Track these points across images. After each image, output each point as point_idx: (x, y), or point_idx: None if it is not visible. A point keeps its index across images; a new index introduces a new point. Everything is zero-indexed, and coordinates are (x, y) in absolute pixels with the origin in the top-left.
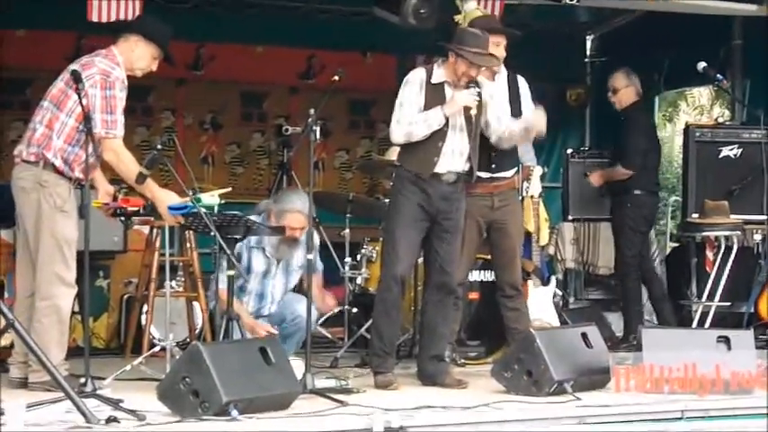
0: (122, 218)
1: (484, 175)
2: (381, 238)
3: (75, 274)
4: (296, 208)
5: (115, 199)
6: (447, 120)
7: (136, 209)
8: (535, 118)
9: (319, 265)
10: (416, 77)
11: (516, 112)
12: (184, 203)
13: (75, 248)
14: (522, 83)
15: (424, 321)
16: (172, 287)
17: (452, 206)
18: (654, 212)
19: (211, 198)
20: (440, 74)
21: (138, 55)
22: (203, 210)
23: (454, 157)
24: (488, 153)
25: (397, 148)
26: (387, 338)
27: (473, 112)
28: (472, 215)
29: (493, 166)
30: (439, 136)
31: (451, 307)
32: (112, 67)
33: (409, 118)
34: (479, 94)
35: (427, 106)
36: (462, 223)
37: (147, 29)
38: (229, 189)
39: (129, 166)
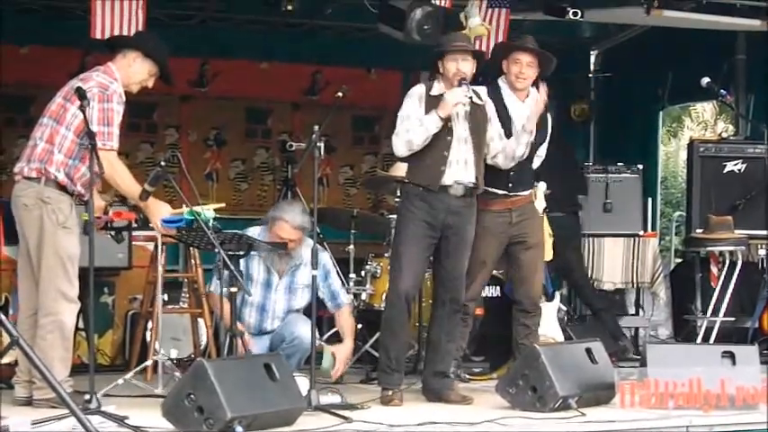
0: (113, 232)
1: (500, 192)
2: (387, 255)
3: (78, 290)
4: (283, 218)
5: (106, 213)
6: (451, 130)
7: (127, 222)
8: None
9: (343, 297)
10: (416, 92)
11: (542, 131)
12: (178, 216)
13: (78, 264)
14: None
15: (429, 337)
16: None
17: (461, 221)
18: None
19: (206, 212)
20: (438, 86)
21: (135, 71)
22: (204, 225)
23: (460, 167)
24: (506, 172)
25: (402, 165)
26: (393, 355)
27: (466, 109)
28: (491, 232)
29: (510, 185)
30: (444, 146)
31: (458, 323)
32: (110, 82)
33: (407, 127)
34: (475, 93)
35: None
36: (471, 238)
37: (146, 45)
38: (223, 205)
39: (123, 177)
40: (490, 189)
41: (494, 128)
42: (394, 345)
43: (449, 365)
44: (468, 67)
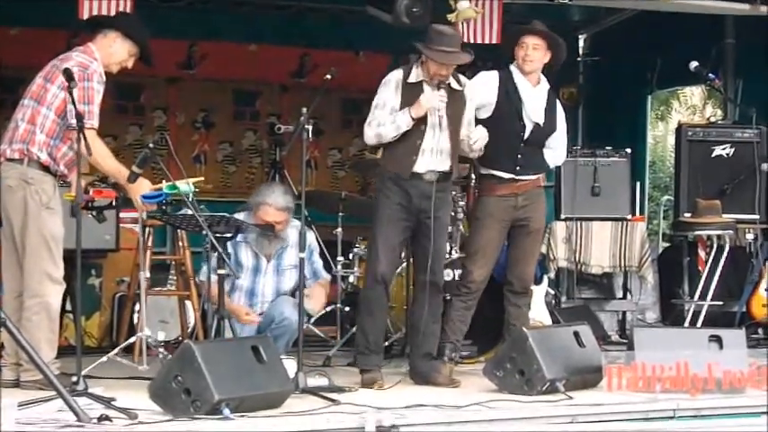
0: (93, 212)
1: (506, 176)
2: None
3: (63, 271)
4: (266, 201)
5: (87, 192)
6: (425, 118)
7: (108, 201)
8: (479, 134)
9: (323, 273)
10: (393, 78)
11: (551, 120)
12: (158, 191)
13: (62, 245)
14: (560, 105)
15: (413, 320)
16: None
17: (436, 205)
18: None
19: (185, 186)
20: (417, 73)
21: (114, 51)
22: (186, 199)
23: (434, 156)
24: (514, 155)
25: None
26: (371, 337)
27: (440, 114)
28: (496, 217)
29: (517, 168)
30: (417, 135)
31: (440, 304)
32: (90, 61)
33: (379, 119)
34: (454, 78)
35: (403, 106)
36: (448, 221)
37: (126, 26)
38: (202, 179)
39: (103, 155)
40: (496, 173)
41: (466, 115)
42: (372, 327)
43: (434, 347)
44: (449, 71)
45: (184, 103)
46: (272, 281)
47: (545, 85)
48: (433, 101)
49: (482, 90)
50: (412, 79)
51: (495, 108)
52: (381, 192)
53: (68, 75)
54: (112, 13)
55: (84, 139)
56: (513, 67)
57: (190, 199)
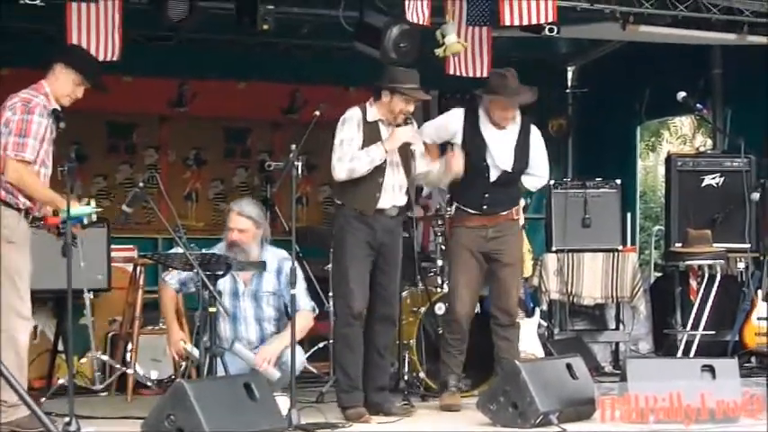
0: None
1: (473, 212)
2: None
3: (31, 307)
4: (232, 208)
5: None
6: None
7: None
8: (452, 159)
9: (305, 303)
10: (354, 116)
11: (522, 160)
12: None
13: (29, 280)
14: (535, 133)
15: (370, 352)
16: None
17: (394, 239)
18: None
19: (83, 208)
20: (373, 112)
21: (61, 83)
22: (181, 245)
23: (395, 192)
24: (481, 194)
25: None
26: (352, 374)
27: (413, 147)
28: (466, 247)
29: (484, 207)
30: (378, 173)
31: (394, 338)
32: (35, 95)
33: (351, 154)
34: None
35: (365, 144)
36: (401, 255)
37: (66, 56)
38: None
39: (33, 187)
40: (465, 209)
41: (417, 150)
42: (353, 363)
43: (387, 380)
44: (413, 107)
45: (176, 141)
46: (251, 306)
47: (515, 126)
48: (408, 134)
49: (448, 128)
50: (370, 118)
51: (462, 145)
52: (345, 230)
53: (56, 116)
54: (101, 52)
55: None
56: (481, 111)
57: (85, 222)
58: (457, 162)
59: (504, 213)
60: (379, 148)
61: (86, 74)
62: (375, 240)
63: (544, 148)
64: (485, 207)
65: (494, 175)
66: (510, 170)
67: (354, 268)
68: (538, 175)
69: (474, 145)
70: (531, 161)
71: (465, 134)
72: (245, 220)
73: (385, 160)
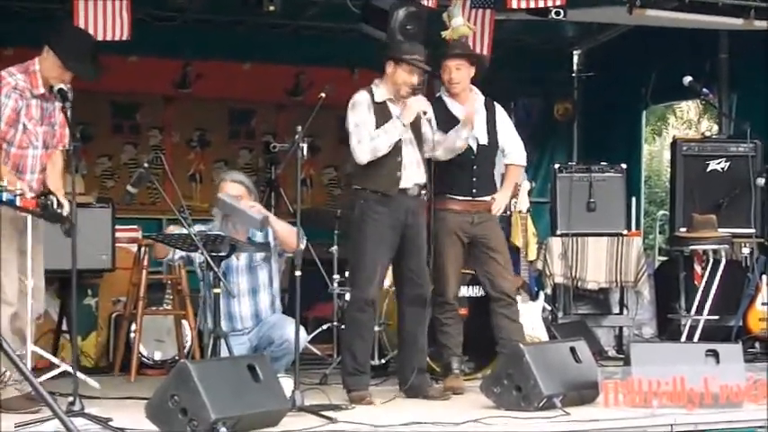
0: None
1: (462, 198)
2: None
3: (10, 291)
4: (224, 178)
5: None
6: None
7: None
8: (467, 107)
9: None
10: (362, 99)
11: (493, 134)
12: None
13: (13, 263)
14: (500, 110)
15: (403, 335)
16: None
17: (417, 219)
18: None
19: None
20: (381, 93)
21: (48, 65)
22: (185, 226)
23: (414, 169)
24: (470, 179)
25: None
26: (361, 359)
27: (427, 117)
28: (452, 230)
29: (474, 191)
30: (395, 151)
31: (428, 318)
32: (11, 74)
33: (369, 134)
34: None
35: (378, 125)
36: (425, 234)
37: (54, 37)
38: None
39: None
40: (453, 195)
41: (425, 125)
42: (363, 349)
43: (425, 361)
44: (419, 77)
45: (180, 121)
46: (246, 279)
47: (478, 97)
48: (422, 103)
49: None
50: (378, 99)
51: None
52: (367, 214)
53: (62, 95)
54: (108, 32)
55: (77, 158)
56: (442, 95)
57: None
58: (470, 104)
59: (486, 200)
60: (396, 123)
61: (68, 60)
62: (399, 222)
63: (511, 123)
64: (474, 191)
65: (476, 152)
66: (486, 143)
67: (373, 255)
68: (512, 150)
69: (449, 126)
70: (502, 135)
71: (437, 117)
72: (237, 185)
73: (400, 139)
